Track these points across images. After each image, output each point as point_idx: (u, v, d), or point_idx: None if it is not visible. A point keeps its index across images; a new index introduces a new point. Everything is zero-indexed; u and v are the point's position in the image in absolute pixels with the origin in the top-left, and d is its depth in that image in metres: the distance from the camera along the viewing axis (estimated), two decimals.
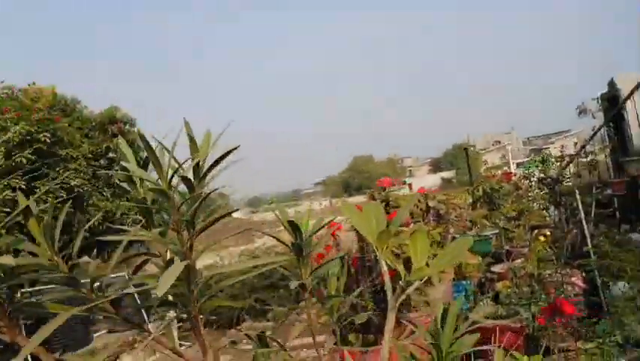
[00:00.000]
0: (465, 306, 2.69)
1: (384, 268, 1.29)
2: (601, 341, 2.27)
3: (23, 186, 7.42)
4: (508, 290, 2.86)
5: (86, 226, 1.77)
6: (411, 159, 63.53)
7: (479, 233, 4.06)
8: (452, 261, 1.37)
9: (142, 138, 1.24)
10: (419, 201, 2.16)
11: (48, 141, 7.90)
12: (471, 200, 5.13)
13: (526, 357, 2.16)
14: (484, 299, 3.21)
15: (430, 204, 2.12)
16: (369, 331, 1.59)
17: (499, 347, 2.51)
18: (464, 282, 2.70)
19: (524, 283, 2.84)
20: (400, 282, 1.26)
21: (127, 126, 11.58)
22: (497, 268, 3.56)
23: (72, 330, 6.30)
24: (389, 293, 1.26)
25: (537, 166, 5.37)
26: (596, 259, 3.67)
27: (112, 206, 11.07)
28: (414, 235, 1.41)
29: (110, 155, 11.88)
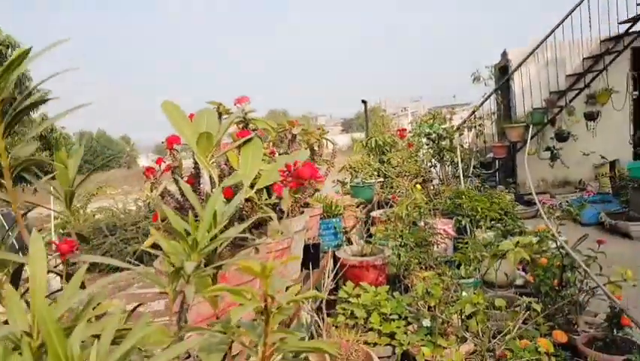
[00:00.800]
0: (332, 243, 2.71)
1: (205, 178, 1.16)
2: (443, 273, 2.41)
3: None
4: (380, 231, 2.93)
5: None
6: (324, 117, 64.20)
7: (363, 180, 4.14)
8: (274, 175, 1.28)
9: None
10: (283, 127, 2.04)
11: None
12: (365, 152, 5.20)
13: (372, 287, 2.23)
14: (361, 241, 3.27)
15: (295, 131, 2.00)
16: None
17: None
18: (334, 220, 2.70)
19: (396, 226, 2.91)
20: (214, 190, 1.14)
21: (9, 50, 10.23)
22: (375, 214, 3.66)
23: None
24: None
25: (430, 126, 5.55)
26: (467, 208, 3.93)
27: None
28: (247, 145, 1.29)
29: None
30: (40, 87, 1.09)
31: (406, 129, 5.73)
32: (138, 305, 1.02)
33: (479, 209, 3.88)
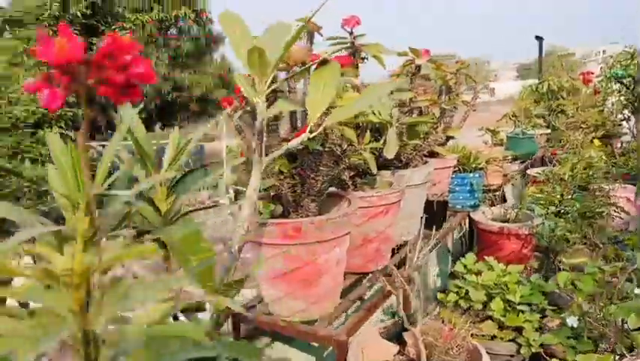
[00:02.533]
0: (467, 203, 2.28)
1: (261, 107, 0.91)
2: (610, 257, 1.81)
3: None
4: (532, 193, 2.38)
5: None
6: (498, 62, 58.01)
7: (524, 130, 3.45)
8: (358, 108, 0.96)
9: None
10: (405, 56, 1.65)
11: None
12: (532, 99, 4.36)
13: (501, 265, 1.78)
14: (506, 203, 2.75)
15: (419, 62, 1.61)
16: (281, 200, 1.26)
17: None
18: (471, 174, 2.25)
19: (554, 190, 2.33)
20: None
21: None
22: (532, 172, 3.03)
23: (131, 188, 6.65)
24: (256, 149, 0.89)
25: (624, 68, 4.35)
26: None
27: (181, 77, 11.15)
28: (320, 69, 0.99)
29: (180, 24, 11.68)
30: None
31: (592, 72, 4.63)
32: None
33: None
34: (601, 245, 2.07)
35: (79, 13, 7.42)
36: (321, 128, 0.93)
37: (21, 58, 6.84)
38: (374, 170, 1.37)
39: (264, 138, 0.91)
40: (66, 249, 0.41)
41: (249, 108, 1.13)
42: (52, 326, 0.28)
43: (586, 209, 2.22)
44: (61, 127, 4.59)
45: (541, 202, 2.10)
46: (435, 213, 1.97)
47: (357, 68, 1.45)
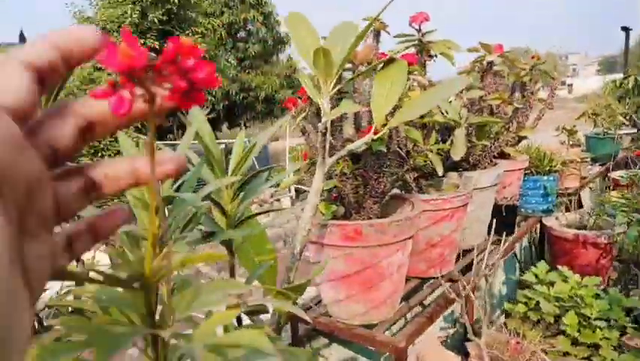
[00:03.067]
0: (539, 207, 2.14)
1: (326, 109, 0.91)
2: None
3: (157, 46, 7.94)
4: (612, 199, 2.19)
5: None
6: (577, 55, 54.16)
7: (605, 130, 3.18)
8: (424, 108, 0.92)
9: None
10: (478, 56, 1.58)
11: (177, 2, 8.09)
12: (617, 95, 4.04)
13: (577, 275, 1.64)
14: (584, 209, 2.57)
15: (491, 58, 1.53)
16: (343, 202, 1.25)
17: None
18: (545, 177, 2.10)
19: (638, 195, 2.13)
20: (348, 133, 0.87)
21: None
22: (614, 175, 2.79)
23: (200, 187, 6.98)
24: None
25: None
26: None
27: (248, 78, 11.52)
28: (387, 68, 0.96)
29: (249, 27, 12.07)
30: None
31: None
32: None
33: None
34: None
35: (156, 20, 7.85)
36: (385, 129, 0.90)
37: None
38: (440, 172, 1.32)
39: (329, 139, 0.91)
40: (136, 251, 0.43)
41: (313, 109, 1.14)
42: (124, 329, 0.29)
43: None
44: (136, 127, 4.87)
45: (624, 209, 1.93)
46: (504, 217, 1.87)
47: (424, 66, 1.41)
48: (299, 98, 1.25)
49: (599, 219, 2.17)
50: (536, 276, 1.69)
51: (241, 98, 11.14)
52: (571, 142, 3.14)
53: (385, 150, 1.18)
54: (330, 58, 0.85)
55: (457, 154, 1.31)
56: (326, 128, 0.89)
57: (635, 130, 3.28)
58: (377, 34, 1.23)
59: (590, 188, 2.85)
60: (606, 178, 2.95)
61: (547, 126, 3.16)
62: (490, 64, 1.56)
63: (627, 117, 3.33)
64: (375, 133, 0.90)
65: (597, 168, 3.09)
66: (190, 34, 8.85)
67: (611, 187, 2.80)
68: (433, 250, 1.46)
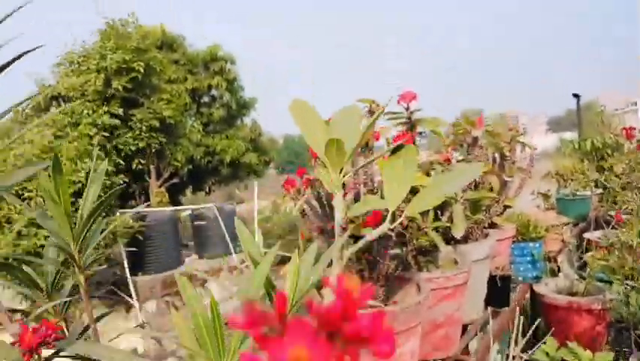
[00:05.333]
0: (529, 274, 2.12)
1: (339, 199, 0.85)
2: None
3: (121, 113, 7.84)
4: (600, 263, 2.21)
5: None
6: (526, 116, 57.84)
7: (574, 191, 3.29)
8: (444, 194, 0.88)
9: None
10: (459, 127, 1.60)
11: (142, 70, 8.12)
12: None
13: (588, 352, 1.59)
14: (571, 272, 2.58)
15: (476, 133, 1.55)
16: None
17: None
18: (531, 244, 2.11)
19: (623, 258, 2.15)
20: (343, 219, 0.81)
21: (228, 65, 11.69)
22: (591, 236, 2.84)
23: (167, 254, 6.71)
24: (337, 236, 0.83)
25: None
26: None
27: (213, 142, 11.50)
28: (396, 154, 0.93)
29: (213, 92, 12.23)
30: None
31: (634, 128, 4.49)
32: None
33: None
34: None
35: (120, 87, 7.82)
36: (402, 218, 0.85)
37: (65, 130, 7.18)
38: (442, 248, 1.28)
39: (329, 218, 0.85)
40: None
41: (316, 193, 1.08)
42: None
43: None
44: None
45: (618, 277, 1.93)
46: (498, 287, 1.83)
47: (416, 145, 1.41)
48: (297, 179, 1.20)
49: (589, 285, 2.16)
50: (547, 354, 1.63)
51: (206, 162, 11.08)
52: (546, 205, 3.23)
53: (390, 233, 1.13)
54: (343, 148, 0.81)
55: (459, 231, 1.27)
56: (342, 221, 0.83)
57: (601, 190, 3.40)
58: (371, 115, 1.22)
59: (570, 250, 2.87)
60: (581, 239, 3.00)
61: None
62: (476, 139, 1.58)
63: (592, 180, 3.46)
64: (392, 222, 0.85)
65: (570, 230, 3.15)
66: (155, 101, 8.87)
67: (585, 248, 2.84)
68: (439, 331, 1.38)
